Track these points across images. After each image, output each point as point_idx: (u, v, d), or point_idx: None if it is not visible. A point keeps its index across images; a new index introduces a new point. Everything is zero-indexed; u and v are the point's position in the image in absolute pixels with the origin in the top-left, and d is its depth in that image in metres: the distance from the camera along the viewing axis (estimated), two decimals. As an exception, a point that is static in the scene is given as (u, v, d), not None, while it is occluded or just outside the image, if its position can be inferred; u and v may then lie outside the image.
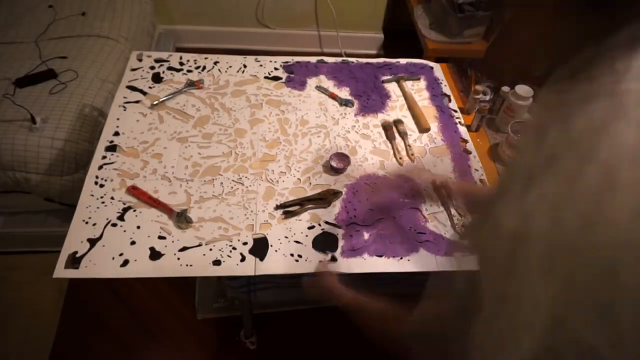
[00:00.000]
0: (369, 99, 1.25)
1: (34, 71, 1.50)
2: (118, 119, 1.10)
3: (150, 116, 1.12)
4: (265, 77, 1.27)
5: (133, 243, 0.87)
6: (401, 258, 0.91)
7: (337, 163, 1.04)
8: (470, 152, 1.14)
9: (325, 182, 1.03)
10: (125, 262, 0.84)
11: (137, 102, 1.15)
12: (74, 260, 0.84)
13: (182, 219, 0.91)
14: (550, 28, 0.40)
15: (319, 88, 1.27)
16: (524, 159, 0.41)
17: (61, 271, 0.82)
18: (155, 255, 0.86)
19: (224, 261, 0.87)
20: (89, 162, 1.01)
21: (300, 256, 0.89)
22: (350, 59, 1.38)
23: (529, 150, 0.41)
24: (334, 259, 0.89)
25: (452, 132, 1.19)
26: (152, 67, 1.25)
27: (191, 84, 1.21)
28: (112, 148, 1.04)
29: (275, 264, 0.87)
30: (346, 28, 2.52)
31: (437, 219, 0.99)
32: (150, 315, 1.51)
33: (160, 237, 0.89)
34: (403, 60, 1.40)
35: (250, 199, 0.97)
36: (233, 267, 0.86)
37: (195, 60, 1.29)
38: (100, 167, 1.00)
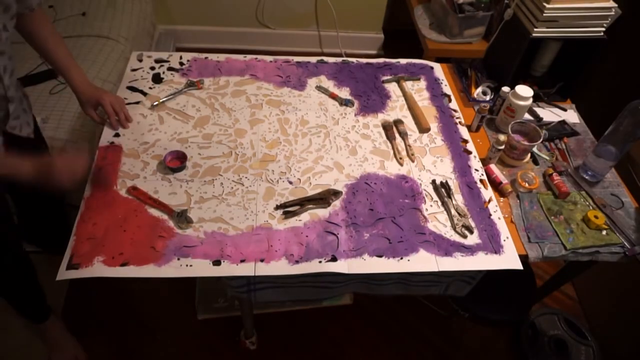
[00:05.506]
0: (369, 99, 1.25)
1: (34, 71, 1.50)
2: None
3: (150, 117, 1.12)
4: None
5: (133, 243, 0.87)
6: (401, 258, 0.91)
7: (172, 161, 1.01)
8: (470, 152, 1.14)
9: (325, 182, 1.03)
10: (125, 262, 0.85)
11: (137, 102, 1.15)
12: (75, 261, 0.84)
13: (182, 219, 0.91)
14: None
15: (319, 88, 1.27)
16: None
17: (63, 273, 0.82)
18: (155, 255, 0.86)
19: (224, 261, 0.87)
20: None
21: (300, 256, 0.89)
22: (350, 59, 1.38)
23: None
24: (334, 259, 0.89)
25: (452, 132, 1.19)
26: (152, 68, 1.25)
27: (191, 85, 1.21)
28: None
29: (275, 264, 0.88)
30: (346, 28, 2.52)
31: (437, 219, 0.99)
32: (150, 315, 1.51)
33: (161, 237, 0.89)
34: (403, 61, 1.40)
35: (250, 199, 0.98)
36: (233, 267, 0.86)
37: (195, 60, 1.29)
38: (101, 168, 1.00)
